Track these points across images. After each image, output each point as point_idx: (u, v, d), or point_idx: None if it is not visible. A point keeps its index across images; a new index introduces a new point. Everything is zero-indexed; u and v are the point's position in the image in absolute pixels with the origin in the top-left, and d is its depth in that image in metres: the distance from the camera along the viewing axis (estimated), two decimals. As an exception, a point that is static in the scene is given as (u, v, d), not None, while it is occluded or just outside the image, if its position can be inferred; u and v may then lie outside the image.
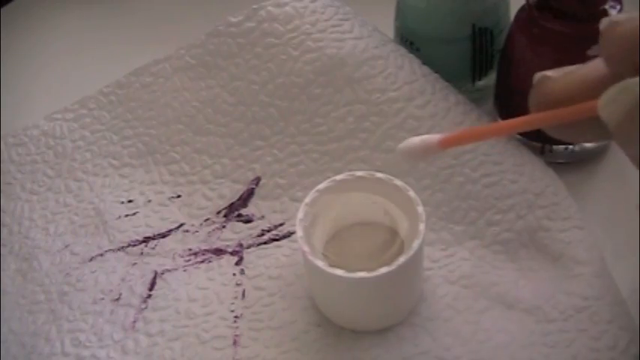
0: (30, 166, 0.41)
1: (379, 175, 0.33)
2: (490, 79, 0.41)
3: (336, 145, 0.38)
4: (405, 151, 0.27)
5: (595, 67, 0.23)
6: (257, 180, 0.38)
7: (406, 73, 0.37)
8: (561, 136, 0.25)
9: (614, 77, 0.22)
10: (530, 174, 0.36)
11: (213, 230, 0.38)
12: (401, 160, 0.27)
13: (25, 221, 0.39)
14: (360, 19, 0.39)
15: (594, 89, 0.22)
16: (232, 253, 0.36)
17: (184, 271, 0.36)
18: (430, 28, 0.39)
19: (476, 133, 0.27)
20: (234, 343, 0.33)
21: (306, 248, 0.31)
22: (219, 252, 0.37)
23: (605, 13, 0.34)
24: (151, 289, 0.35)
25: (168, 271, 0.36)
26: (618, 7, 0.35)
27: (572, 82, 0.23)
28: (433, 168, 0.36)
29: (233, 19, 0.40)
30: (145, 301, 0.35)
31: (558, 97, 0.23)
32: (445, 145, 0.26)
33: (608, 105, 0.21)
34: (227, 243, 0.37)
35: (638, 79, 0.20)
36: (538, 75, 0.24)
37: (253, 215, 0.38)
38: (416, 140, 0.27)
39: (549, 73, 0.24)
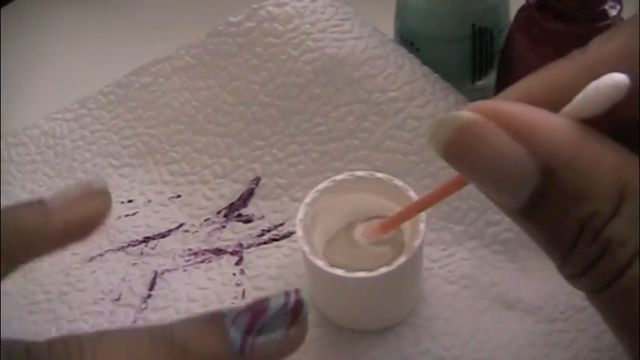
0: (30, 166, 0.41)
1: (379, 175, 0.33)
2: (490, 79, 0.41)
3: (336, 145, 0.38)
4: (361, 235, 0.32)
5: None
6: (257, 180, 0.38)
7: (406, 73, 0.37)
8: None
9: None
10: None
11: (213, 230, 0.37)
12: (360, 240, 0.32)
13: (25, 221, 0.39)
14: (360, 19, 0.39)
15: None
16: (232, 253, 0.36)
17: (184, 271, 0.36)
18: (430, 28, 0.39)
19: (404, 214, 0.30)
20: (234, 343, 0.33)
21: (306, 248, 0.31)
22: (219, 252, 0.37)
23: (605, 14, 0.34)
24: (151, 289, 0.35)
25: (168, 271, 0.36)
26: (618, 7, 0.35)
27: None
28: (433, 168, 0.36)
29: (233, 19, 0.40)
30: (145, 301, 0.35)
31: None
32: (385, 230, 0.30)
33: (433, 137, 0.21)
34: (227, 243, 0.37)
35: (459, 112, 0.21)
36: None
37: (253, 215, 0.38)
38: (364, 226, 0.32)
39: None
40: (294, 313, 0.26)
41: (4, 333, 0.35)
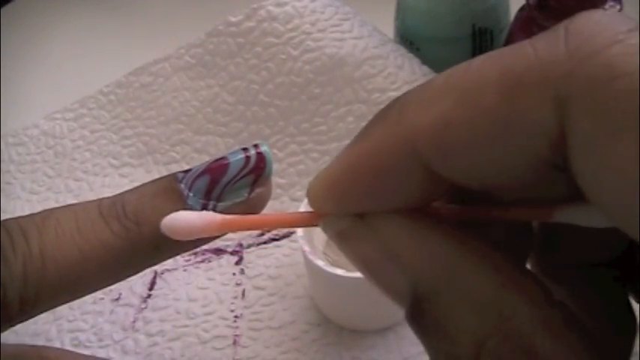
0: (30, 166, 0.41)
1: (379, 174, 0.32)
2: (490, 79, 0.41)
3: (336, 145, 0.38)
4: (172, 227, 0.20)
5: None
6: (257, 180, 0.38)
7: (406, 73, 0.37)
8: None
9: None
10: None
11: (213, 230, 0.37)
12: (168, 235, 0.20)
13: (25, 221, 0.39)
14: (360, 19, 0.39)
15: None
16: (232, 253, 0.36)
17: (184, 270, 0.36)
18: (430, 28, 0.39)
19: (257, 221, 0.22)
20: (234, 343, 0.33)
21: (306, 248, 0.31)
22: (219, 252, 0.37)
23: (605, 13, 0.34)
24: (150, 289, 0.35)
25: (168, 270, 0.36)
26: (618, 7, 0.35)
27: None
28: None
29: (233, 19, 0.40)
30: (144, 301, 0.35)
31: None
32: (226, 227, 0.20)
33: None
34: (227, 243, 0.37)
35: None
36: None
37: (253, 215, 0.38)
38: (191, 216, 0.20)
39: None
40: (256, 171, 0.24)
41: (5, 333, 0.35)
